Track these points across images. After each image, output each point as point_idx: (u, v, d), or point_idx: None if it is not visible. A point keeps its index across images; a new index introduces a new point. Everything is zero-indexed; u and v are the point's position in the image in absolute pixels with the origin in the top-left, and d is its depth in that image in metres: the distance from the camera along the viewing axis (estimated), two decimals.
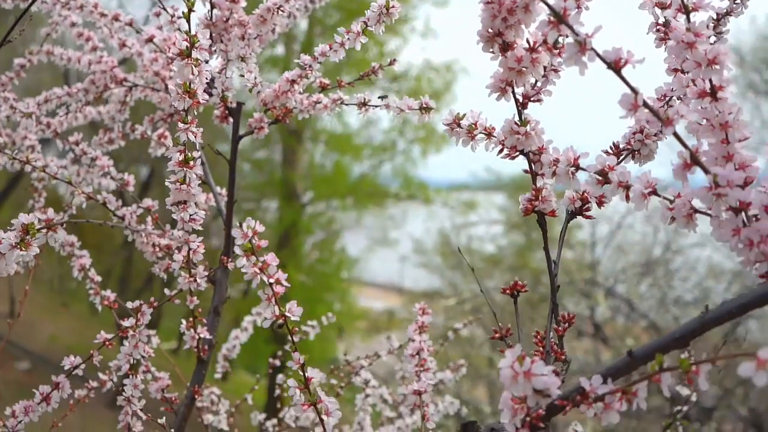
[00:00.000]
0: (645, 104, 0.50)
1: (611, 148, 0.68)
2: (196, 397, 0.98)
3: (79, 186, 1.00)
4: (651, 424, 6.15)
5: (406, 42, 11.05)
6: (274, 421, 1.47)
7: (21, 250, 0.67)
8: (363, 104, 0.95)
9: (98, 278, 1.10)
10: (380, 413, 1.36)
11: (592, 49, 0.50)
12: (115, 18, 1.10)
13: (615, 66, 0.50)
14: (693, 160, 0.51)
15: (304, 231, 11.26)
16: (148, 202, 1.06)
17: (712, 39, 0.73)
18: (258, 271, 0.61)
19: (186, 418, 0.98)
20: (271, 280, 0.61)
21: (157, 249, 1.01)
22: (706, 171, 0.51)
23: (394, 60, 1.00)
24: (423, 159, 11.80)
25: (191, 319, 0.96)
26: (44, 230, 0.67)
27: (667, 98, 0.69)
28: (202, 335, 0.96)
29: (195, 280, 0.90)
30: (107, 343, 0.92)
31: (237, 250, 0.62)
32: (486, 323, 8.14)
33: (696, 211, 0.54)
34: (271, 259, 0.62)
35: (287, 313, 0.63)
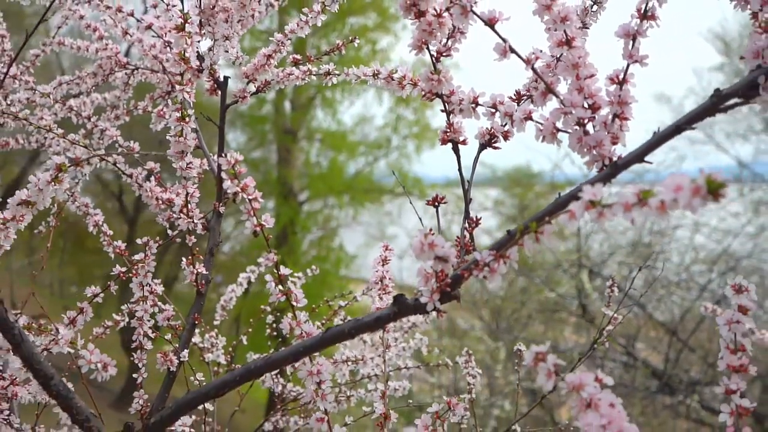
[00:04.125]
0: (511, 49, 0.70)
1: (514, 93, 0.88)
2: (196, 323, 1.17)
3: (93, 149, 1.19)
4: (638, 402, 6.35)
5: (398, 40, 11.24)
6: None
7: (55, 184, 0.86)
8: (327, 74, 1.14)
9: (110, 232, 1.28)
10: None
11: (472, 11, 0.69)
12: (119, 9, 1.29)
13: (490, 23, 0.70)
14: (548, 89, 0.71)
15: (301, 229, 11.45)
16: (151, 164, 1.25)
17: (595, 8, 0.93)
18: (240, 190, 0.81)
19: (188, 341, 1.17)
20: (251, 197, 0.81)
21: (160, 202, 1.20)
22: (557, 96, 0.70)
23: (355, 37, 1.19)
24: (417, 155, 12.00)
25: (190, 257, 1.15)
26: (73, 166, 0.86)
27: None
28: (199, 271, 1.16)
29: (193, 221, 1.09)
30: (121, 275, 1.11)
31: (226, 182, 0.81)
32: (484, 316, 8.34)
33: (558, 129, 0.74)
34: (250, 181, 0.81)
35: (263, 222, 0.82)
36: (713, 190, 0.46)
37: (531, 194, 11.45)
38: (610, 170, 0.66)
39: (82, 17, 1.41)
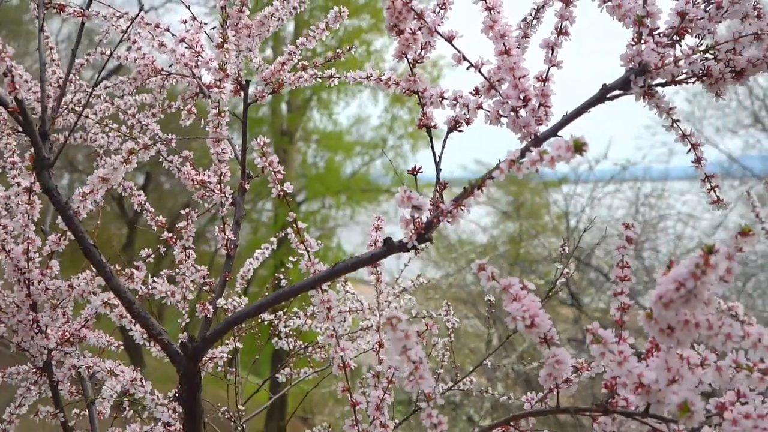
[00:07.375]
0: (464, 57, 0.97)
1: (474, 89, 1.15)
2: (227, 279, 1.45)
3: (140, 136, 1.47)
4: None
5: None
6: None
7: (126, 164, 1.14)
8: (331, 77, 1.42)
9: (152, 209, 1.56)
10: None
11: (436, 30, 0.97)
12: (157, 26, 1.57)
13: (449, 39, 0.98)
14: (491, 86, 0.99)
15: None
16: (186, 152, 1.52)
17: (535, 22, 1.20)
18: (267, 164, 1.08)
19: (220, 293, 1.45)
20: (275, 169, 1.09)
21: (195, 183, 1.48)
22: (497, 91, 0.98)
23: (351, 47, 1.47)
24: (413, 154, 12.28)
25: (222, 225, 1.43)
26: (141, 150, 1.14)
27: None
28: (229, 236, 1.44)
29: (225, 195, 1.37)
30: (169, 240, 1.39)
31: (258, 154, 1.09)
32: (481, 312, 8.63)
33: (500, 115, 1.01)
34: (275, 158, 1.09)
35: (285, 188, 1.10)
36: (578, 147, 0.74)
37: (525, 191, 11.74)
38: (533, 142, 0.94)
39: (123, 32, 1.68)
